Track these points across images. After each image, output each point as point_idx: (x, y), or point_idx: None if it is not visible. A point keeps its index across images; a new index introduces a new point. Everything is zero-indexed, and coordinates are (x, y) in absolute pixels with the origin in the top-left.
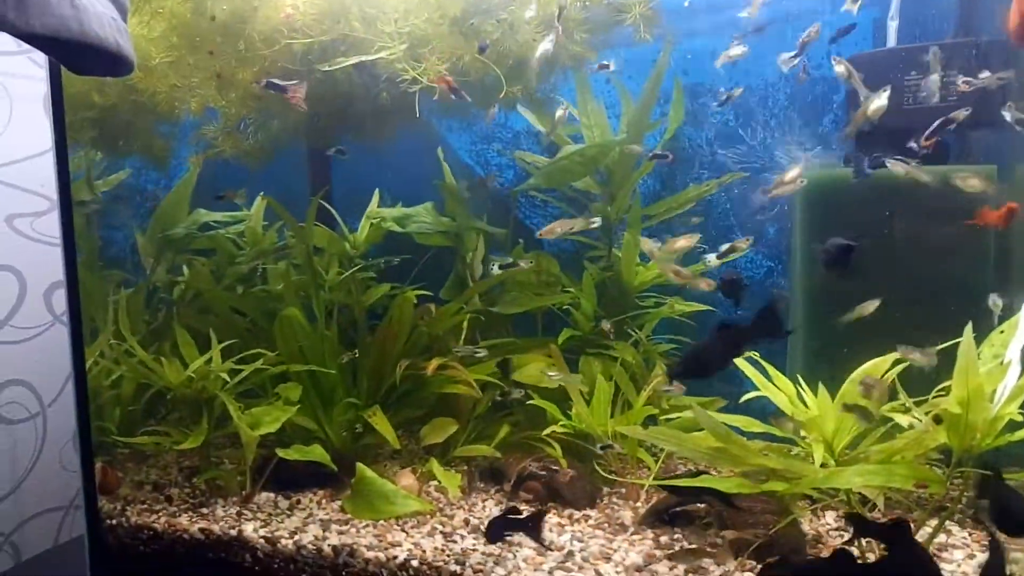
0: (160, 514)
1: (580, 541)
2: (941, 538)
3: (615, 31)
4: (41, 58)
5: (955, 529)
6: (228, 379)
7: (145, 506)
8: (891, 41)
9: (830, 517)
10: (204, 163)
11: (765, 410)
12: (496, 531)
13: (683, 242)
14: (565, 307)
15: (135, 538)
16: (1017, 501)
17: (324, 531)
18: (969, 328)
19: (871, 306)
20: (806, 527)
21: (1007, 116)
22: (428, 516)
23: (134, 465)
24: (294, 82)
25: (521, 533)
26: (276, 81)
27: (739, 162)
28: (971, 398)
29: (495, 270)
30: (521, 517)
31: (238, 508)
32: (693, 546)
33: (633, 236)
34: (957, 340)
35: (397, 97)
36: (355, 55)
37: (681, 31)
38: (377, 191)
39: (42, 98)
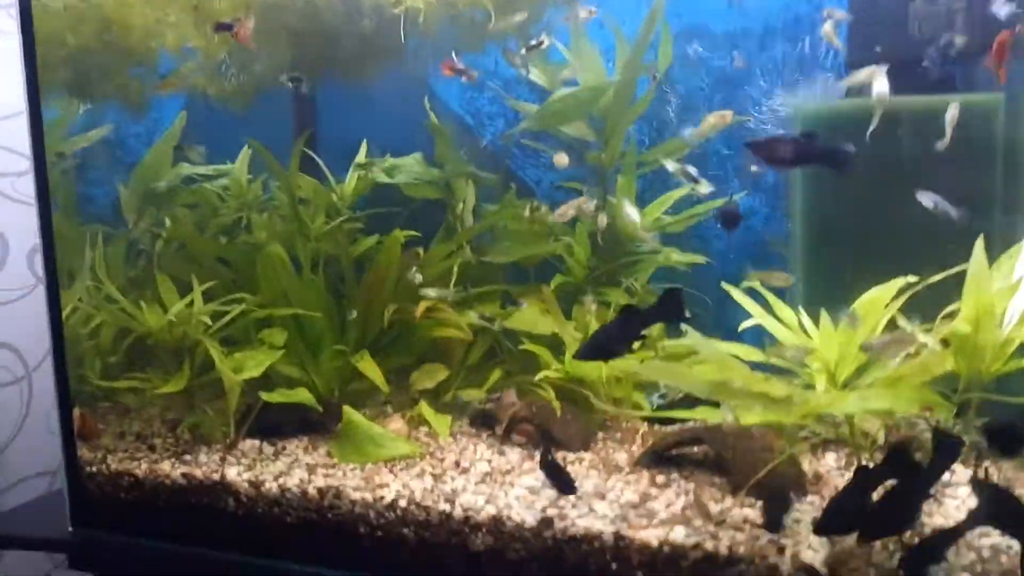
0: (142, 461)
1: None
2: (945, 476)
3: None
4: (15, 10)
5: (958, 467)
6: (210, 323)
7: (127, 454)
8: None
9: (831, 458)
10: (189, 111)
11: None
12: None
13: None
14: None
15: (116, 485)
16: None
17: (310, 474)
18: (980, 242)
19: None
20: (806, 467)
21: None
22: (417, 459)
23: (116, 418)
24: (239, 18)
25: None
26: (223, 21)
27: (737, 106)
28: (981, 317)
29: None
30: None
31: (222, 454)
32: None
33: (628, 182)
34: (964, 266)
35: (383, 34)
36: None
37: None
38: (365, 141)
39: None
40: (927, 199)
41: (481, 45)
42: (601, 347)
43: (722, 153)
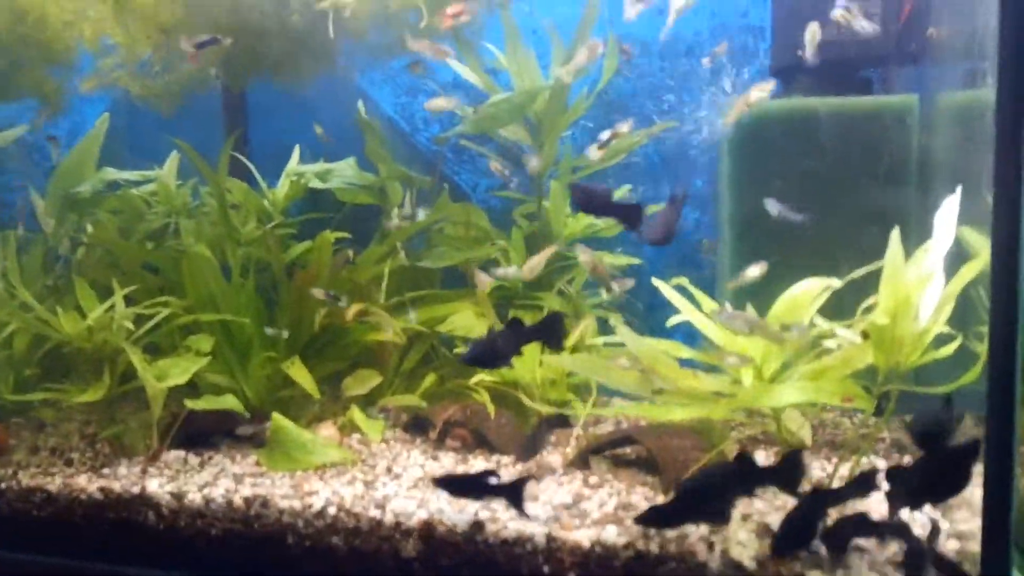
0: (56, 476)
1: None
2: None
3: None
4: None
5: (880, 463)
6: (133, 328)
7: (40, 469)
8: None
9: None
10: (113, 112)
11: (694, 341)
12: (468, 489)
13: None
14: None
15: (27, 501)
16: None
17: (236, 484)
18: (896, 234)
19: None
20: None
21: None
22: (349, 466)
23: (30, 433)
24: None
25: (501, 499)
26: (202, 39)
27: (668, 112)
28: (898, 308)
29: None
30: (502, 483)
31: (143, 467)
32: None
33: (561, 187)
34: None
35: (313, 33)
36: None
37: None
38: (297, 147)
39: None
40: (772, 207)
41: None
42: (485, 355)
43: (654, 160)
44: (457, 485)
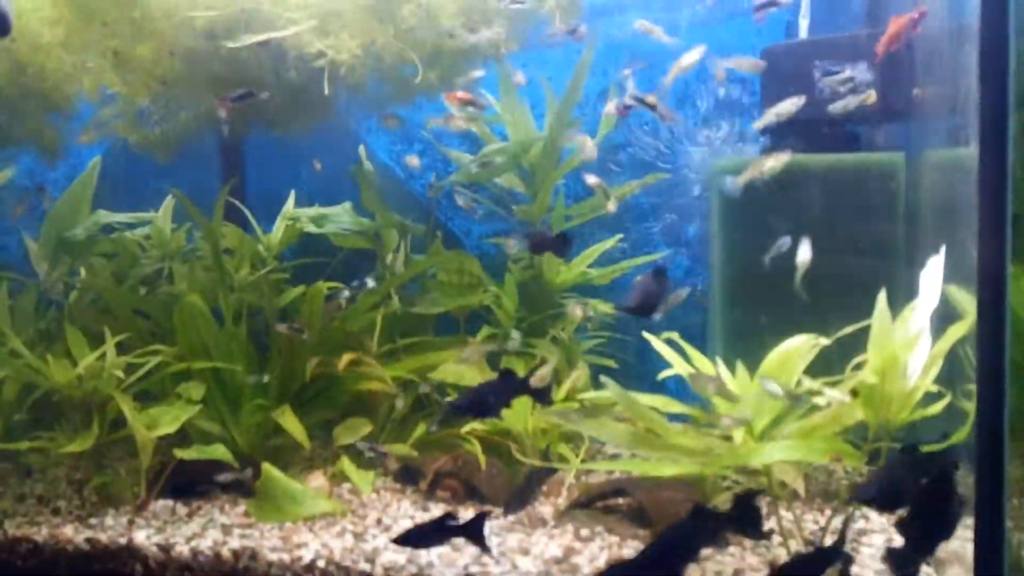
0: (43, 526)
1: (498, 536)
2: (860, 524)
3: (540, 26)
4: None
5: (873, 515)
6: (123, 376)
7: (26, 518)
8: (803, 33)
9: None
10: (110, 158)
11: (685, 396)
12: (429, 538)
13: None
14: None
15: (12, 552)
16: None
17: (225, 535)
18: (883, 295)
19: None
20: None
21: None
22: (339, 517)
23: (19, 480)
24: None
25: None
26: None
27: (660, 161)
28: (886, 368)
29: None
30: (460, 523)
31: (130, 517)
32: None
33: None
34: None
35: (311, 86)
36: (262, 32)
37: (602, 30)
38: (293, 192)
39: None
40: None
41: (411, 98)
42: (474, 405)
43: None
44: (417, 537)
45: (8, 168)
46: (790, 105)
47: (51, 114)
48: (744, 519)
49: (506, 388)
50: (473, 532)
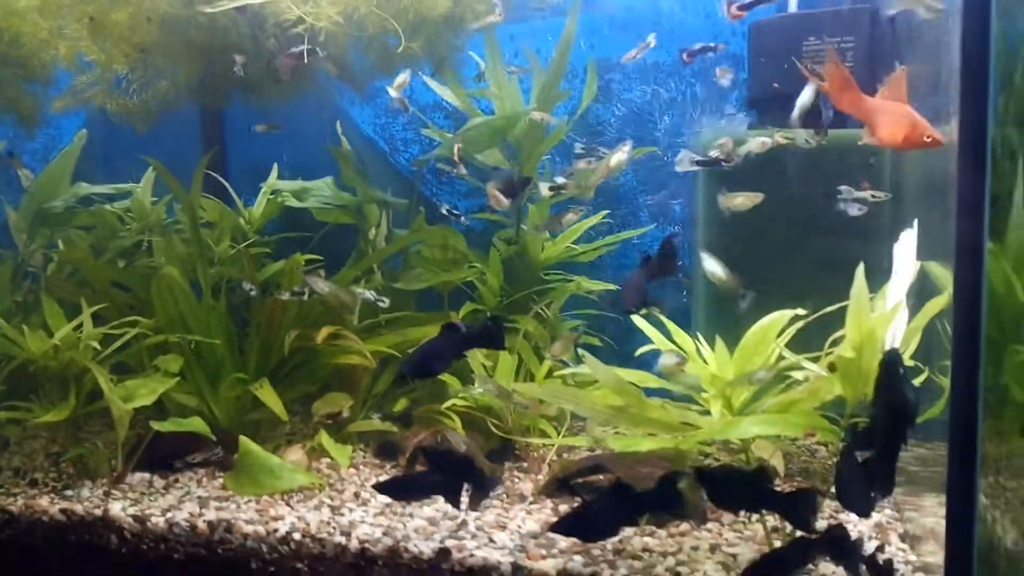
0: (18, 497)
1: (475, 511)
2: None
3: None
4: None
5: None
6: (100, 348)
7: (2, 490)
8: (792, 7)
9: None
10: (89, 127)
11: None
12: (405, 491)
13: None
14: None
15: None
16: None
17: (201, 508)
18: (861, 270)
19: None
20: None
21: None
22: (316, 490)
23: None
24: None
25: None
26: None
27: (647, 137)
28: (864, 342)
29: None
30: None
31: (106, 488)
32: None
33: (540, 211)
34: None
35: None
36: None
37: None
38: (276, 165)
39: None
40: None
41: (392, 68)
42: (423, 362)
43: (633, 184)
44: (397, 488)
45: None
46: (809, 95)
47: (29, 83)
48: (664, 499)
49: (453, 342)
50: (451, 490)
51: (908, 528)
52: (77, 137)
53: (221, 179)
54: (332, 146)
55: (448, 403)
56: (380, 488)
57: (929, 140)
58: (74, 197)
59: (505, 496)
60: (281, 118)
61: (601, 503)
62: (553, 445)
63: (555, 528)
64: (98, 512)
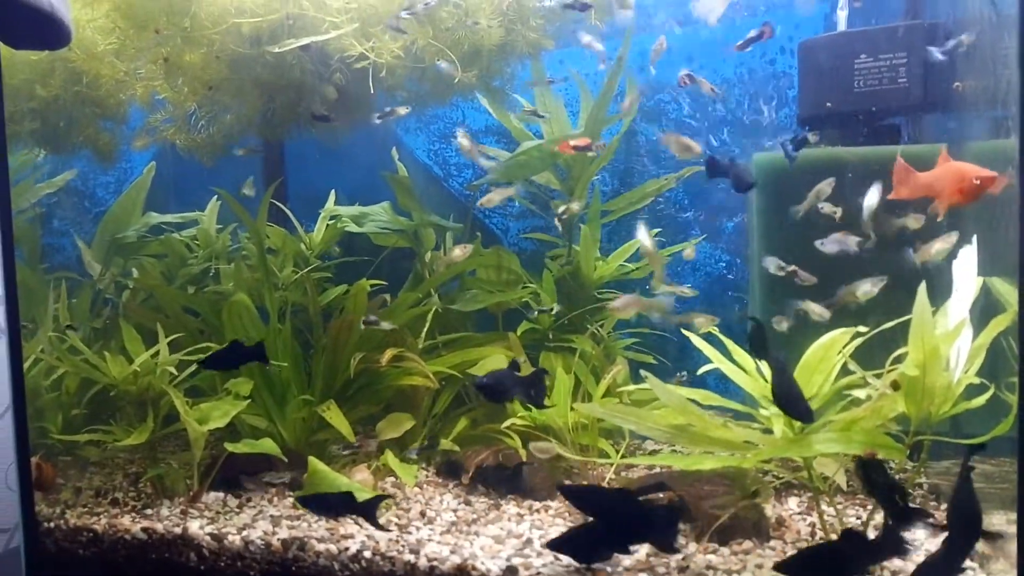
0: (101, 516)
1: (539, 529)
2: None
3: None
4: None
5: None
6: (175, 372)
7: (86, 509)
8: (841, 27)
9: (793, 502)
10: (159, 160)
11: (725, 391)
12: (324, 507)
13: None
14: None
15: (74, 541)
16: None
17: (274, 526)
18: (923, 288)
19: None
20: (769, 511)
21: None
22: (383, 510)
23: (77, 472)
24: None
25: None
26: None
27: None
28: (927, 360)
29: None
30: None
31: (184, 507)
32: None
33: (591, 231)
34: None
35: (352, 89)
36: (305, 37)
37: (638, 25)
38: (333, 191)
39: None
40: (770, 264)
41: (448, 98)
42: (496, 388)
43: (683, 203)
44: (316, 503)
45: (68, 172)
46: (875, 196)
47: (106, 121)
48: (655, 527)
49: (520, 382)
50: (367, 512)
51: (977, 546)
52: (147, 169)
53: (282, 206)
54: (388, 173)
55: (507, 422)
56: (300, 500)
57: (979, 182)
58: (145, 226)
59: (567, 515)
60: (339, 147)
61: (598, 526)
62: (612, 464)
63: (550, 545)
64: (177, 530)
